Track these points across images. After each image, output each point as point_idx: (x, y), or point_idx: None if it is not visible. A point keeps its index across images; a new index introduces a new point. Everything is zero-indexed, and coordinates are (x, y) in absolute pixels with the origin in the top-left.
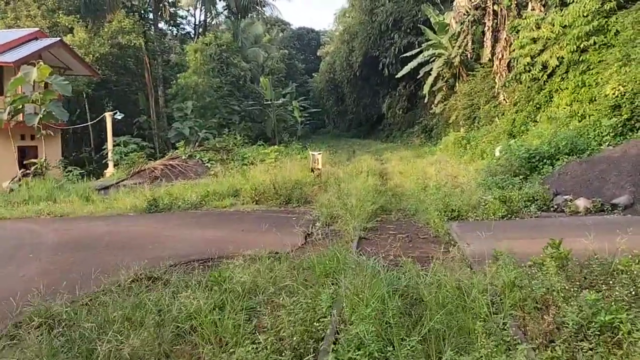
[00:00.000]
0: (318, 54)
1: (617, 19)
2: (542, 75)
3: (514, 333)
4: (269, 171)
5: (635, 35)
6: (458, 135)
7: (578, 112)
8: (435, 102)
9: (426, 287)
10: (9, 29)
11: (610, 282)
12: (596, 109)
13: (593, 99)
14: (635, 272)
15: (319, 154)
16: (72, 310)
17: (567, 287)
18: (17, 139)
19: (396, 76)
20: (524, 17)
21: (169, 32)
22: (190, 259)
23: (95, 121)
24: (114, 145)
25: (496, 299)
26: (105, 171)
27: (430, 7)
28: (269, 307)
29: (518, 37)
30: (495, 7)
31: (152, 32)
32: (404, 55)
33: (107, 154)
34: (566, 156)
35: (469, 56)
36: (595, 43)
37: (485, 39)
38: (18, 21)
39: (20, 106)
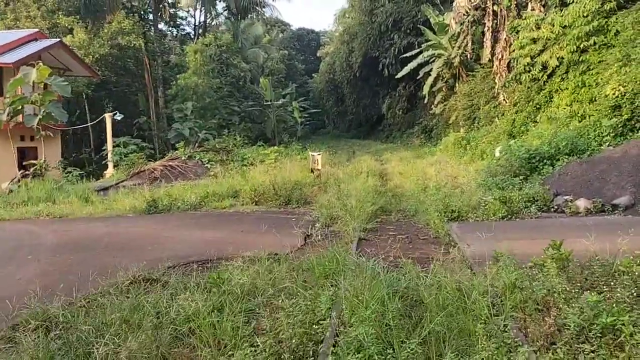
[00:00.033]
0: (318, 54)
1: (617, 19)
2: (542, 76)
3: (515, 335)
4: (268, 172)
5: (635, 36)
6: (458, 136)
7: (578, 113)
8: (435, 102)
9: (426, 289)
10: (8, 30)
11: (612, 283)
12: (596, 109)
13: (593, 99)
14: (636, 274)
15: (319, 154)
16: (70, 313)
17: (568, 289)
18: (16, 140)
19: (396, 77)
20: (523, 17)
21: (169, 33)
22: (189, 261)
23: (94, 122)
24: (113, 146)
25: (497, 300)
26: (105, 172)
27: (430, 7)
28: (268, 309)
29: (518, 37)
30: (495, 8)
31: (152, 33)
32: (404, 55)
33: (106, 154)
34: (566, 156)
35: (468, 56)
36: (595, 43)
37: (485, 40)
38: (18, 22)
39: (20, 107)
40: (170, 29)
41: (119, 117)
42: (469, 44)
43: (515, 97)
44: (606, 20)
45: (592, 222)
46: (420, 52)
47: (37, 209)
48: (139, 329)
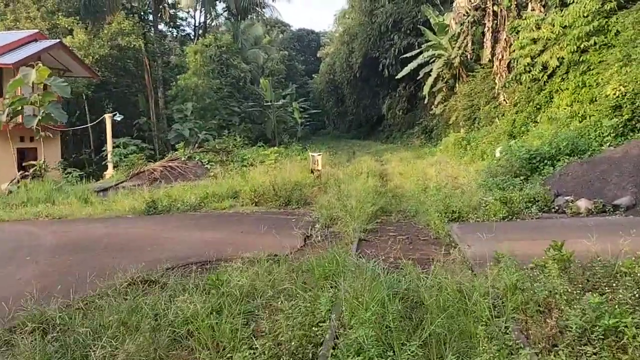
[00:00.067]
0: (318, 55)
1: (617, 19)
2: (543, 76)
3: (517, 337)
4: (268, 172)
5: (635, 36)
6: (458, 136)
7: (579, 113)
8: (435, 103)
9: (427, 290)
10: (8, 31)
11: (614, 284)
12: (597, 110)
13: (594, 99)
14: (639, 275)
15: (319, 155)
16: (67, 315)
17: (569, 290)
18: (16, 140)
19: (396, 77)
20: (524, 17)
21: (169, 33)
22: (189, 262)
23: (94, 123)
24: (113, 147)
25: (498, 302)
26: (104, 173)
27: (430, 8)
28: (267, 311)
29: (518, 37)
30: (495, 8)
31: (151, 34)
32: (404, 56)
33: (106, 155)
34: (567, 157)
35: (468, 57)
36: (595, 43)
37: (485, 40)
38: (17, 23)
39: (19, 108)
40: (170, 29)
41: (118, 117)
42: (469, 45)
43: (516, 98)
44: (606, 20)
45: (593, 223)
46: (420, 53)
47: (36, 210)
48: (136, 332)
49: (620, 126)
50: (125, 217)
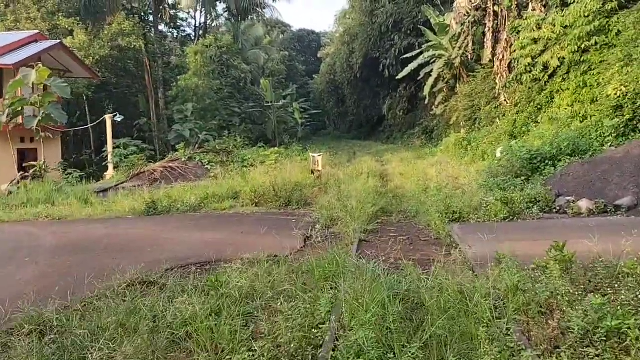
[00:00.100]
0: (318, 55)
1: (618, 19)
2: (543, 76)
3: (518, 339)
4: (269, 173)
5: (637, 35)
6: (459, 137)
7: (580, 113)
8: (436, 103)
9: (427, 292)
10: (8, 32)
11: (616, 285)
12: (598, 110)
13: (595, 99)
14: None
15: (319, 155)
16: (65, 316)
17: (571, 291)
18: (16, 141)
19: (397, 77)
20: (524, 17)
21: (170, 34)
22: (188, 263)
23: (95, 123)
24: (114, 148)
25: (499, 303)
26: (105, 173)
27: (430, 8)
28: (266, 313)
29: (519, 37)
30: (496, 8)
31: (152, 35)
32: (405, 56)
33: (107, 156)
34: (568, 157)
35: (469, 57)
36: (596, 43)
37: (485, 40)
38: (18, 24)
39: (20, 108)
40: (170, 30)
41: (119, 118)
42: (470, 45)
43: (517, 98)
44: (607, 20)
45: (595, 223)
46: (421, 53)
47: (36, 211)
48: (135, 333)
49: (621, 126)
50: (125, 218)
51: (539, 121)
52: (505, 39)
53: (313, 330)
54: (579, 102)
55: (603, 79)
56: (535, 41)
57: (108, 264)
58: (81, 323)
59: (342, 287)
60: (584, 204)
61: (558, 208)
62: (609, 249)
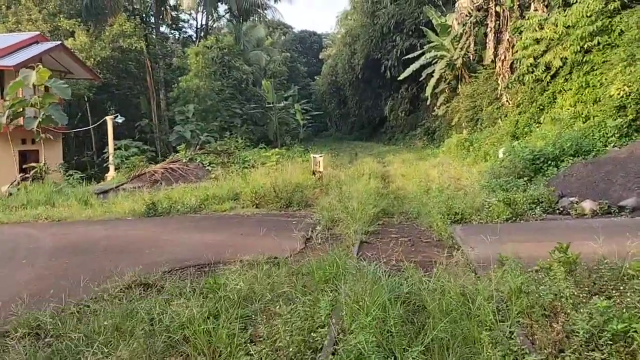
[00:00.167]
0: (320, 56)
1: (621, 18)
2: (546, 76)
3: (522, 342)
4: (269, 174)
5: None
6: (461, 137)
7: (582, 113)
8: (438, 104)
9: (429, 294)
10: (10, 33)
11: (621, 288)
12: (601, 110)
13: (597, 99)
14: None
15: (321, 156)
16: (60, 319)
17: (576, 293)
18: (18, 143)
19: (398, 78)
20: (526, 18)
21: (171, 35)
22: (187, 265)
23: (96, 125)
24: (115, 149)
25: (502, 305)
26: (106, 175)
27: (432, 8)
28: (265, 316)
29: (521, 38)
30: (498, 9)
31: (153, 36)
32: (406, 57)
33: (108, 157)
34: (571, 157)
35: (471, 58)
36: (599, 43)
37: (487, 41)
38: (19, 25)
39: (20, 110)
40: (172, 31)
41: (120, 119)
42: (472, 45)
43: (519, 98)
44: (610, 20)
45: (599, 224)
46: (423, 54)
47: (36, 212)
48: (131, 337)
49: (624, 126)
50: (125, 220)
51: (541, 122)
52: (507, 40)
53: (312, 333)
54: (581, 102)
55: (606, 79)
56: (537, 41)
57: (106, 266)
58: (77, 326)
59: (342, 290)
60: (587, 205)
61: (561, 209)
62: (614, 251)
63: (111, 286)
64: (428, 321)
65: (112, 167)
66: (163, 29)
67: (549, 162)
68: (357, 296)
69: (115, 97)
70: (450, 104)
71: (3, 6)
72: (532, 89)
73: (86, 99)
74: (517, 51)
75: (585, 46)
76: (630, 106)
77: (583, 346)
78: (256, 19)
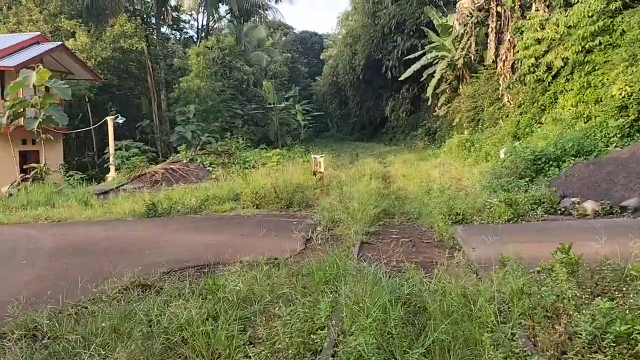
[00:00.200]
0: (321, 57)
1: (622, 18)
2: (547, 77)
3: (524, 344)
4: (270, 175)
5: None
6: (462, 138)
7: (584, 113)
8: (439, 104)
9: (430, 295)
10: (10, 34)
11: (624, 289)
12: (602, 110)
13: (599, 99)
14: None
15: (322, 157)
16: (58, 321)
17: (578, 295)
18: (18, 143)
19: (399, 79)
20: (527, 18)
21: (172, 36)
22: (186, 265)
23: (96, 125)
24: (116, 149)
25: (504, 307)
26: (107, 175)
27: (433, 9)
28: (264, 317)
29: (522, 38)
30: (499, 9)
31: (154, 36)
32: (407, 57)
33: (109, 158)
34: (573, 158)
35: (472, 58)
36: (600, 43)
37: (488, 41)
38: (20, 26)
39: (21, 110)
40: (173, 32)
41: (120, 120)
42: (473, 46)
43: (520, 99)
44: (612, 20)
45: (601, 225)
46: (424, 54)
47: (36, 213)
48: (128, 338)
49: (626, 126)
50: (125, 220)
51: (542, 122)
52: (509, 40)
53: (312, 335)
54: (583, 102)
55: (607, 79)
56: (538, 41)
57: (106, 267)
58: (75, 327)
59: (342, 291)
60: (589, 205)
61: (563, 209)
62: (616, 251)
63: (109, 287)
64: (429, 323)
65: (112, 168)
66: (164, 29)
67: (551, 162)
68: (357, 297)
69: (116, 98)
70: (452, 104)
71: (4, 7)
72: (533, 89)
73: (87, 100)
74: (518, 51)
75: (587, 46)
76: (632, 106)
77: (586, 348)
78: (257, 19)
